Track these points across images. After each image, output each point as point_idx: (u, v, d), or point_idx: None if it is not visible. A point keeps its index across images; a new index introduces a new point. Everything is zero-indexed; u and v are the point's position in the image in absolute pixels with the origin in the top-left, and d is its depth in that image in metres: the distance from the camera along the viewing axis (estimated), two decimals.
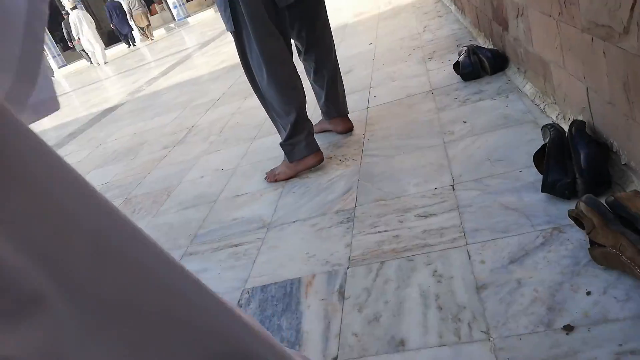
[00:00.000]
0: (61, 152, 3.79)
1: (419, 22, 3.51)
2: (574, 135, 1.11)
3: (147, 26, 16.01)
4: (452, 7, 3.42)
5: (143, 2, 16.53)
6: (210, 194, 1.88)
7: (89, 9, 20.45)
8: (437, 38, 2.90)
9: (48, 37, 18.70)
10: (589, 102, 1.16)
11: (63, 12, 14.02)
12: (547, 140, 1.17)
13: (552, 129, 1.19)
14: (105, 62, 13.09)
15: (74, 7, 13.30)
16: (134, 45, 16.09)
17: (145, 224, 1.85)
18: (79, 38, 13.32)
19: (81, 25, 12.99)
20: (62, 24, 13.36)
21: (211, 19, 13.53)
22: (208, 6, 19.27)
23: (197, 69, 5.40)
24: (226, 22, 1.62)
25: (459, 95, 1.91)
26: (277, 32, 1.61)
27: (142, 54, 11.45)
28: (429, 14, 3.67)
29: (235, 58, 4.73)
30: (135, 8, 15.45)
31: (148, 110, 4.12)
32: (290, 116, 1.65)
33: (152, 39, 15.44)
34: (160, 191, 2.12)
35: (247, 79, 1.70)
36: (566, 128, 1.33)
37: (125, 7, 15.69)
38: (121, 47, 16.41)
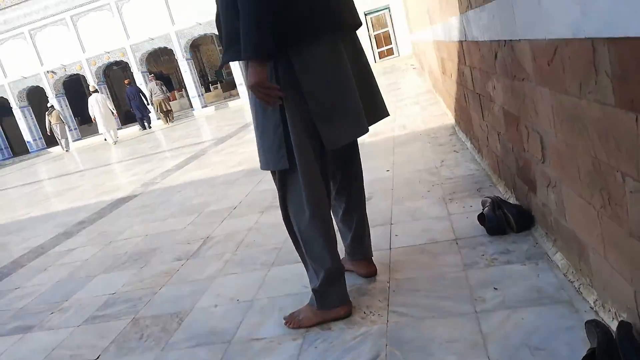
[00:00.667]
0: (70, 243, 3.74)
1: (435, 155, 3.63)
2: (622, 341, 1.08)
3: (169, 111, 16.85)
4: (468, 144, 3.56)
5: (164, 89, 17.53)
6: (225, 331, 1.81)
7: (111, 89, 21.49)
8: (456, 177, 2.97)
9: (67, 111, 19.49)
10: (637, 306, 1.14)
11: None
12: (594, 344, 1.13)
13: (598, 329, 1.16)
14: (115, 142, 13.67)
15: (95, 91, 14.30)
16: (148, 128, 16.82)
17: (152, 358, 1.75)
18: (94, 117, 14.06)
19: (98, 108, 13.81)
20: (88, 100, 14.17)
21: (229, 113, 14.13)
22: (225, 98, 20.30)
23: (213, 167, 5.52)
24: (277, 160, 1.54)
25: (485, 251, 1.91)
26: (323, 175, 1.61)
27: (156, 139, 11.82)
28: (444, 146, 3.81)
29: (253, 162, 4.88)
30: (155, 94, 16.43)
31: (162, 208, 4.14)
32: (328, 262, 1.62)
33: (170, 124, 16.13)
34: (171, 316, 2.04)
35: (281, 213, 1.67)
36: (606, 318, 1.30)
37: (146, 92, 16.55)
38: (136, 128, 17.04)
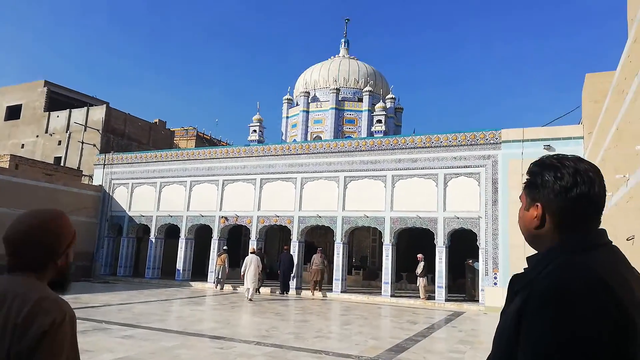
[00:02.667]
0: None
1: None
2: None
3: (319, 280, 17.79)
4: None
5: (325, 262, 18.58)
6: None
7: (265, 249, 22.90)
8: None
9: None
10: None
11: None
12: None
13: None
14: (250, 300, 14.90)
15: (253, 252, 15.77)
16: (286, 293, 17.38)
17: None
18: (244, 274, 15.23)
19: (253, 268, 15.18)
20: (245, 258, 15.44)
21: (374, 310, 13.17)
22: (363, 286, 20.07)
23: None
24: None
25: None
26: None
27: (292, 306, 11.49)
28: None
29: None
30: (316, 264, 17.81)
31: None
32: None
33: (314, 295, 17.17)
34: None
35: None
36: None
37: (295, 259, 17.45)
38: (269, 290, 17.49)
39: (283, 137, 33.00)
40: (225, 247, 18.84)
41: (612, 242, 1.20)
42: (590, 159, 12.85)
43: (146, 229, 23.10)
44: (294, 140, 30.81)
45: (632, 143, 6.61)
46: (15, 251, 1.47)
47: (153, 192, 22.73)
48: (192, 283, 20.69)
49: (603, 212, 1.21)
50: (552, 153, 11.81)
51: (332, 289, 18.18)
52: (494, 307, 15.02)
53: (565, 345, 0.94)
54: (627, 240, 6.63)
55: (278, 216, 19.59)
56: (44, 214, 1.54)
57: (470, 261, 17.12)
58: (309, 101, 31.65)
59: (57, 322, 1.37)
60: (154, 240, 22.17)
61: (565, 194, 1.15)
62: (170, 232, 22.81)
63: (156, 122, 34.37)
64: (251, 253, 15.78)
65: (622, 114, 7.39)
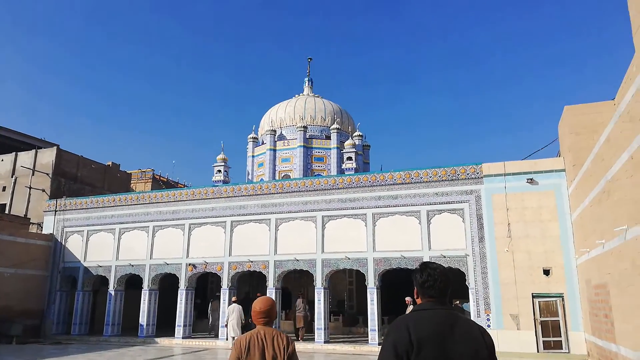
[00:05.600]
0: None
1: None
2: None
3: (302, 328, 17.55)
4: None
5: (307, 307, 17.84)
6: None
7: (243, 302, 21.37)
8: None
9: (191, 305, 19.33)
10: None
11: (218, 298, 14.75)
12: None
13: None
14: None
15: (235, 301, 14.46)
16: None
17: None
18: (227, 323, 14.74)
19: (236, 317, 14.23)
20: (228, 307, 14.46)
21: None
22: (344, 334, 18.77)
23: None
24: None
25: None
26: None
27: None
28: None
29: None
30: (299, 310, 17.05)
31: None
32: None
33: (300, 342, 16.64)
34: None
35: None
36: None
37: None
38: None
39: (249, 177, 31.87)
40: (218, 294, 17.31)
41: (442, 308, 2.48)
42: (580, 189, 12.58)
43: (104, 280, 21.08)
44: (262, 179, 29.75)
45: None
46: None
47: (111, 240, 20.89)
48: (158, 339, 18.78)
49: (443, 294, 2.52)
50: (534, 186, 11.44)
51: (314, 339, 16.86)
52: None
53: (383, 343, 2.37)
54: None
55: (252, 261, 18.28)
56: None
57: (458, 302, 16.35)
58: (276, 139, 30.89)
59: None
60: (113, 292, 20.18)
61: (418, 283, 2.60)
62: (132, 282, 20.89)
63: (110, 165, 32.44)
64: (233, 302, 14.59)
65: None
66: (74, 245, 21.47)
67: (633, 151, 7.44)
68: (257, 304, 3.53)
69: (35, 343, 18.76)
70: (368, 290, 16.40)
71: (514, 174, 15.45)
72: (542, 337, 13.93)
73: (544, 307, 14.07)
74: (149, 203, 20.70)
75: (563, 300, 13.98)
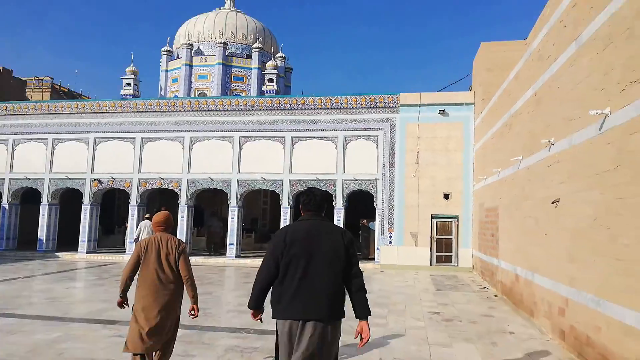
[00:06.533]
0: None
1: None
2: None
3: (216, 244, 18.81)
4: None
5: (221, 225, 18.68)
6: None
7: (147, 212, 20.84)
8: None
9: (96, 221, 18.59)
10: None
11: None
12: None
13: None
14: None
15: (148, 218, 14.15)
16: None
17: None
18: (136, 239, 14.25)
19: (144, 230, 13.90)
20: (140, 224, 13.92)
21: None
22: (255, 249, 19.32)
23: None
24: None
25: None
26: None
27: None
28: None
29: None
30: (213, 227, 18.20)
31: None
32: None
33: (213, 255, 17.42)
34: None
35: None
36: None
37: (184, 224, 16.21)
38: None
39: (162, 93, 30.09)
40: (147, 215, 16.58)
41: (315, 219, 3.34)
42: (485, 122, 13.47)
43: None
44: (175, 96, 28.23)
45: (559, 109, 6.73)
46: None
47: (4, 151, 19.02)
48: (59, 254, 18.01)
49: (319, 209, 3.38)
50: (445, 117, 12.01)
51: (226, 254, 17.20)
52: (389, 264, 15.49)
53: (268, 245, 3.39)
54: (552, 203, 6.80)
55: (163, 179, 17.75)
56: None
57: (365, 221, 17.39)
58: (192, 54, 29.12)
59: None
60: (7, 206, 18.73)
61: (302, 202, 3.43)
62: (29, 197, 19.47)
63: (0, 70, 28.78)
64: (146, 218, 14.23)
65: (547, 79, 7.49)
66: None
67: (537, 88, 8.02)
68: (155, 217, 4.48)
69: None
70: (282, 209, 16.80)
71: (428, 105, 16.11)
72: (436, 252, 15.48)
73: (441, 227, 15.49)
74: (48, 114, 18.92)
75: (457, 221, 15.45)
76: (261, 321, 3.45)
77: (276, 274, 3.16)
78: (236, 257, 16.99)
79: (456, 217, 15.48)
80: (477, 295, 10.43)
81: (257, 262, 16.33)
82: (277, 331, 3.20)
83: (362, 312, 3.20)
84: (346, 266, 3.19)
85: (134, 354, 4.12)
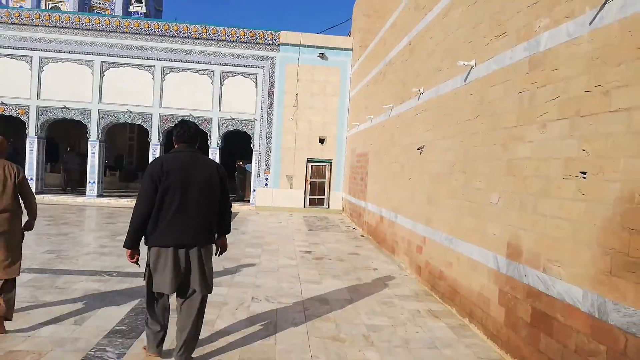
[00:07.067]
0: None
1: None
2: None
3: (75, 181, 17.04)
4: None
5: (80, 162, 16.08)
6: None
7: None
8: None
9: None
10: None
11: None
12: None
13: None
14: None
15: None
16: None
17: None
18: None
19: None
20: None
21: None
22: (120, 189, 18.01)
23: None
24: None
25: None
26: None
27: (39, 215, 9.40)
28: None
29: None
30: (71, 164, 17.05)
31: None
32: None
33: (69, 193, 14.85)
34: None
35: None
36: None
37: (34, 158, 14.34)
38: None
39: (4, 1, 25.27)
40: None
41: (189, 150, 3.52)
42: (361, 69, 13.76)
43: None
44: (21, 6, 23.94)
45: (430, 60, 7.06)
46: None
47: None
48: None
49: (193, 141, 3.55)
50: (324, 61, 12.02)
51: (85, 193, 15.69)
52: (264, 206, 15.62)
53: (144, 174, 3.42)
54: (417, 150, 7.26)
55: (6, 104, 15.25)
56: None
57: (242, 162, 17.13)
58: None
59: None
60: None
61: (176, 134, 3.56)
62: None
63: None
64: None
65: (421, 29, 7.76)
66: None
67: (412, 37, 8.29)
68: None
69: None
70: (151, 146, 15.67)
71: (308, 46, 15.92)
72: (310, 195, 15.98)
73: (315, 170, 15.93)
74: None
75: (331, 165, 16.01)
76: (138, 264, 3.50)
77: (153, 204, 3.29)
78: (97, 196, 15.61)
79: (330, 162, 16.01)
80: (345, 235, 11.05)
81: (122, 201, 15.24)
82: (148, 261, 3.41)
83: (224, 229, 3.68)
84: (220, 198, 3.54)
85: None
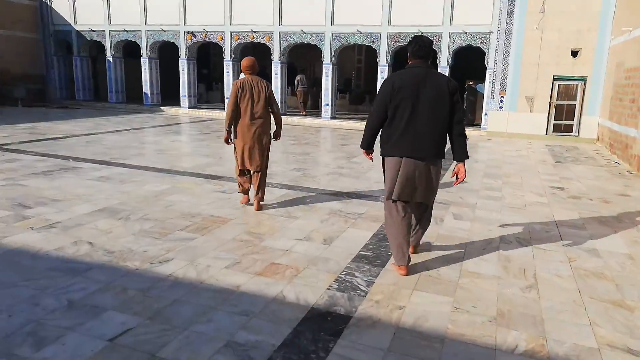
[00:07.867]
0: None
1: None
2: None
3: (306, 102, 18.40)
4: None
5: (306, 83, 18.24)
6: None
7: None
8: None
9: (194, 76, 18.71)
10: None
11: None
12: None
13: None
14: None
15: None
16: None
17: None
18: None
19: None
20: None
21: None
22: (349, 111, 18.72)
23: None
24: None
25: None
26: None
27: (283, 135, 10.06)
28: None
29: None
30: (302, 85, 17.93)
31: None
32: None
33: (304, 114, 17.85)
34: None
35: None
36: None
37: (278, 82, 16.27)
38: None
39: None
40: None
41: (422, 66, 3.54)
42: None
43: (100, 47, 20.00)
44: None
45: None
46: None
47: (99, 1, 19.01)
48: (164, 108, 18.78)
49: (427, 56, 3.56)
50: None
51: (320, 115, 16.81)
52: (497, 132, 14.17)
53: (378, 92, 3.62)
54: None
55: (255, 32, 16.93)
56: None
57: (472, 82, 15.68)
58: None
59: None
60: (111, 59, 19.36)
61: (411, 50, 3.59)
62: (130, 50, 19.88)
63: None
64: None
65: None
66: (61, 5, 19.64)
67: None
68: (244, 62, 5.19)
69: (42, 107, 18.85)
70: (379, 67, 15.54)
71: None
72: (555, 119, 13.72)
73: (563, 90, 13.48)
74: None
75: (585, 84, 13.27)
76: (372, 160, 3.95)
77: (385, 117, 3.54)
78: (331, 118, 16.52)
79: (584, 80, 13.27)
80: (605, 170, 9.14)
81: (352, 124, 15.81)
82: (383, 167, 3.74)
83: (461, 155, 3.62)
84: (450, 112, 3.51)
85: (240, 171, 5.39)
